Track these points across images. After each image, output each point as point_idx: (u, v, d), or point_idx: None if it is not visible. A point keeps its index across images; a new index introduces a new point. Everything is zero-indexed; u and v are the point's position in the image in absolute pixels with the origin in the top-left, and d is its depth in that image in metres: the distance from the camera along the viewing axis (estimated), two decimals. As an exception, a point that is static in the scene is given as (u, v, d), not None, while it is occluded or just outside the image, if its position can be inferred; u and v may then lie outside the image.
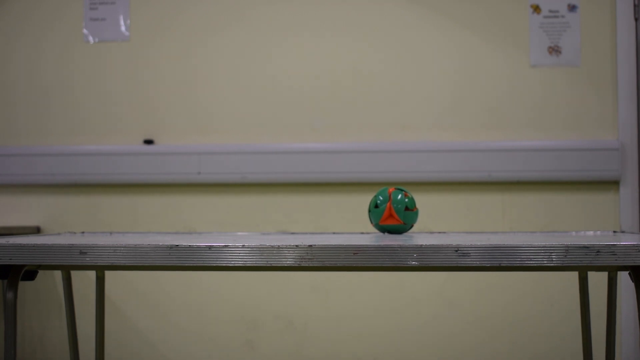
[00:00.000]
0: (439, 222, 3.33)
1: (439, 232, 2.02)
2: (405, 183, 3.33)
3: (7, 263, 1.41)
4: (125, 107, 3.49)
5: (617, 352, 3.28)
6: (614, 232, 2.02)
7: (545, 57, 3.35)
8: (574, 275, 3.28)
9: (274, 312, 3.39)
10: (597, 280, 3.20)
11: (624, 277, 3.26)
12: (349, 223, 3.37)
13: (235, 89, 3.46)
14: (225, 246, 1.38)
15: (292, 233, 2.09)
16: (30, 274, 1.54)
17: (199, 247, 1.38)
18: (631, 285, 3.27)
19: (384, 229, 1.84)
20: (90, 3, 3.52)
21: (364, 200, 3.35)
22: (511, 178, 3.31)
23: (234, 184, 3.41)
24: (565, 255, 1.32)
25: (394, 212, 1.80)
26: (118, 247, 1.39)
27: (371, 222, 1.85)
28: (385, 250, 1.35)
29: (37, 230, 3.47)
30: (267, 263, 1.37)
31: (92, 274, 3.41)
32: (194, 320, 3.42)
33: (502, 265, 1.34)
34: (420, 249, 1.34)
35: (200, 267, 1.42)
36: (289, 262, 1.36)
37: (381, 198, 1.82)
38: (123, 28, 3.52)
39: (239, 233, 2.11)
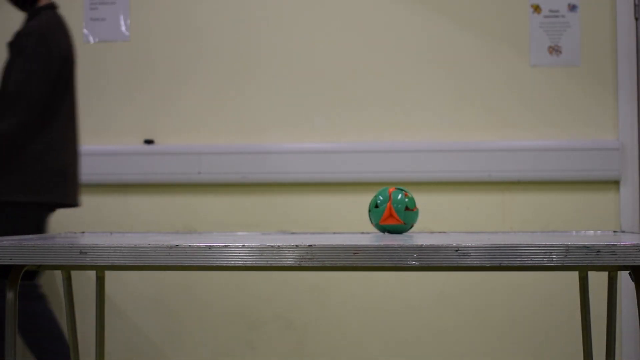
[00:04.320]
0: (439, 222, 3.33)
1: (439, 232, 2.02)
2: (405, 183, 3.33)
3: (7, 263, 1.41)
4: (125, 107, 3.49)
5: (617, 352, 3.29)
6: (614, 232, 2.02)
7: (545, 57, 3.36)
8: (574, 275, 3.28)
9: (274, 312, 3.39)
10: (597, 280, 3.20)
11: (624, 277, 3.26)
12: (349, 223, 3.37)
13: (235, 88, 3.46)
14: (225, 246, 1.38)
15: (292, 233, 2.09)
16: (30, 274, 1.54)
17: (199, 247, 1.38)
18: (631, 285, 3.27)
19: (384, 229, 1.84)
20: (90, 3, 3.52)
21: (364, 200, 3.35)
22: (511, 178, 3.31)
23: (234, 184, 3.41)
24: (566, 255, 1.32)
25: (394, 212, 1.80)
26: (118, 247, 1.39)
27: (371, 222, 1.85)
28: (385, 250, 1.35)
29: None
30: (267, 263, 1.37)
31: (92, 274, 3.41)
32: (194, 320, 3.42)
33: (502, 265, 1.34)
34: (420, 249, 1.34)
35: (200, 267, 1.42)
36: (289, 262, 1.36)
37: (381, 198, 1.82)
38: (123, 28, 3.52)
39: (239, 233, 2.11)
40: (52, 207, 2.87)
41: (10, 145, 2.73)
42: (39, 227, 2.82)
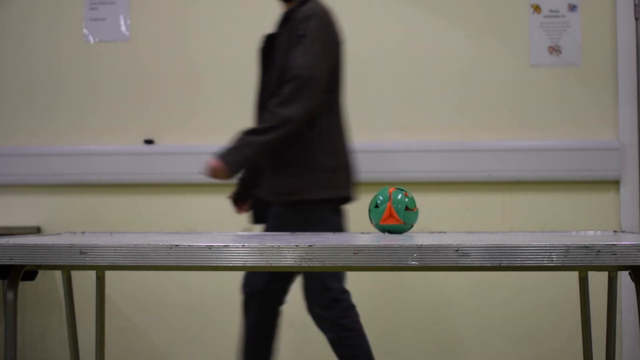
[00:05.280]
0: (439, 222, 3.33)
1: (439, 232, 2.02)
2: (405, 183, 3.33)
3: (7, 263, 1.41)
4: (125, 107, 3.49)
5: (617, 352, 3.28)
6: (614, 232, 2.02)
7: (545, 56, 3.35)
8: (574, 275, 3.28)
9: (274, 312, 3.38)
10: (597, 280, 3.19)
11: (624, 277, 3.26)
12: (349, 223, 3.37)
13: (235, 88, 3.46)
14: (225, 246, 1.38)
15: (292, 233, 2.09)
16: (30, 274, 1.54)
17: (199, 247, 1.38)
18: (631, 285, 3.26)
19: (384, 229, 1.84)
20: (90, 3, 3.52)
21: (364, 200, 3.35)
22: (511, 178, 3.31)
23: (234, 183, 3.41)
24: (566, 255, 1.32)
25: (394, 212, 1.80)
26: (118, 247, 1.39)
27: (371, 222, 1.85)
28: (385, 250, 1.35)
29: (37, 230, 3.47)
30: (267, 263, 1.37)
31: (92, 274, 3.41)
32: (194, 320, 3.41)
33: (502, 265, 1.34)
34: (420, 249, 1.34)
35: (200, 267, 1.42)
36: (289, 262, 1.36)
37: (381, 198, 1.82)
38: (123, 28, 3.52)
39: (239, 233, 2.11)
40: (341, 203, 2.78)
41: (297, 130, 2.59)
42: (337, 225, 2.73)
